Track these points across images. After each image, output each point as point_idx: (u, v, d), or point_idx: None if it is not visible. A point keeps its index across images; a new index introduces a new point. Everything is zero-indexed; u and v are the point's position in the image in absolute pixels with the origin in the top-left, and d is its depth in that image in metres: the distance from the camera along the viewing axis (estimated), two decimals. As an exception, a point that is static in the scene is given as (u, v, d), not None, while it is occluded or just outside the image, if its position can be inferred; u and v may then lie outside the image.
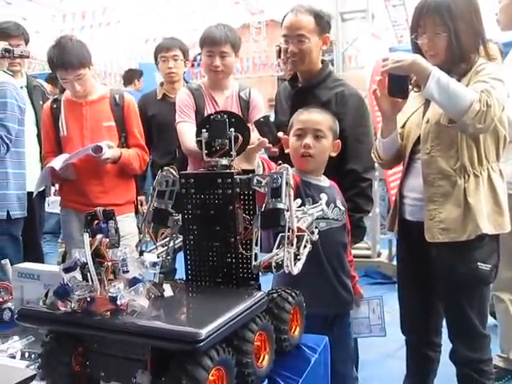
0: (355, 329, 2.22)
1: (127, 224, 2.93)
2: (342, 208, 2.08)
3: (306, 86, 2.58)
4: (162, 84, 3.93)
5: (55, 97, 3.16)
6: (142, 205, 3.64)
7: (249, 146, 1.42)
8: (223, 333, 1.05)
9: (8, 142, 2.86)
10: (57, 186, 3.31)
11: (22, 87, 3.39)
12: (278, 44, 3.26)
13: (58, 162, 2.82)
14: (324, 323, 2.03)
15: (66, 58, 2.79)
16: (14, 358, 1.44)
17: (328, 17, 2.59)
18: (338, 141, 2.15)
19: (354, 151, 2.40)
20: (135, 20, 9.75)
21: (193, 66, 11.85)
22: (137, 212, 3.33)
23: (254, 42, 14.16)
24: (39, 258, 3.41)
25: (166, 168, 1.38)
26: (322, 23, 2.52)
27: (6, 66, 3.21)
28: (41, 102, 3.42)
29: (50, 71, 3.20)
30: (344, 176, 2.36)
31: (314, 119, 2.10)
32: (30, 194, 3.22)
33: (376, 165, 2.56)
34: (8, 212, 2.92)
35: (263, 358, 1.24)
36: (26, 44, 3.50)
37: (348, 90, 2.53)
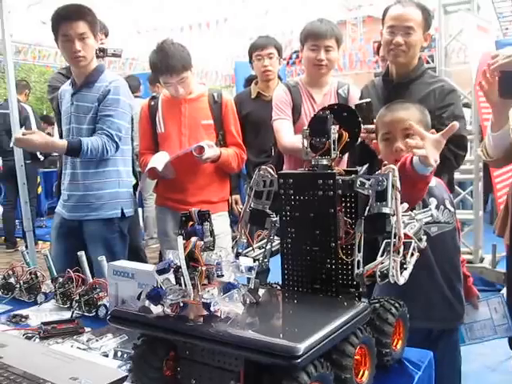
0: (477, 333, 2.07)
1: (220, 222, 2.91)
2: (452, 209, 1.93)
3: (402, 81, 2.49)
4: (256, 82, 3.90)
5: (153, 94, 3.20)
6: (236, 203, 3.63)
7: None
8: (323, 348, 0.98)
9: (117, 140, 2.85)
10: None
11: None
12: (377, 40, 3.20)
13: (159, 163, 2.84)
14: (428, 337, 1.89)
15: (170, 63, 2.81)
16: (106, 356, 1.43)
17: (432, 14, 2.54)
18: (433, 130, 1.99)
19: None
20: (232, 19, 9.83)
21: (288, 64, 11.85)
22: (230, 211, 3.31)
23: (350, 38, 13.94)
24: (141, 257, 3.44)
25: (263, 167, 1.32)
26: (428, 19, 2.47)
27: None
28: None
29: (151, 71, 3.22)
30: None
31: (398, 119, 1.93)
32: None
33: (480, 164, 2.43)
34: (122, 210, 2.91)
35: (363, 374, 1.15)
36: (106, 37, 3.53)
37: (448, 85, 2.47)
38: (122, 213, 2.91)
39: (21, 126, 3.47)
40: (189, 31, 9.56)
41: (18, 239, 7.51)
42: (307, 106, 2.86)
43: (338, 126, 1.27)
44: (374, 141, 2.05)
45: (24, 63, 12.03)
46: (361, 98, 2.70)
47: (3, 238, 7.83)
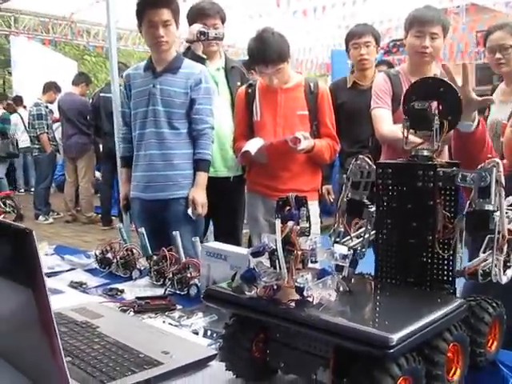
0: None
1: (310, 211, 2.91)
2: None
3: None
4: (352, 71, 3.85)
5: (250, 82, 3.23)
6: (329, 193, 3.61)
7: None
8: (415, 340, 0.95)
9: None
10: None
11: (218, 69, 3.45)
12: (480, 30, 3.10)
13: (253, 146, 2.87)
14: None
15: (267, 54, 2.83)
16: (196, 334, 1.47)
17: None
18: None
19: None
20: (329, 7, 9.71)
21: (386, 53, 11.59)
22: (320, 200, 3.30)
23: (451, 27, 13.41)
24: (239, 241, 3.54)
25: (360, 156, 1.30)
26: None
27: (201, 49, 3.33)
28: (239, 83, 3.42)
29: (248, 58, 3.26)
30: None
31: None
32: (228, 179, 3.34)
33: None
34: None
35: (454, 372, 1.11)
36: (223, 23, 3.46)
37: None
38: None
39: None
40: (289, 19, 9.53)
41: (113, 218, 7.86)
42: None
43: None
44: (505, 122, 1.96)
45: (125, 49, 12.49)
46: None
47: (99, 215, 8.22)
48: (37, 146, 8.74)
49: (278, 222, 1.02)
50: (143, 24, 2.95)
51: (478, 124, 1.63)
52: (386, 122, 2.77)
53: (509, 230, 1.14)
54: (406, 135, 1.25)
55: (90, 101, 8.25)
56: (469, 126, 1.60)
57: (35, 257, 0.91)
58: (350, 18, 9.22)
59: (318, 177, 3.12)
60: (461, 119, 1.34)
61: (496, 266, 1.10)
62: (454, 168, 1.20)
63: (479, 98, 1.66)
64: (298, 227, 1.06)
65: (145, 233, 2.09)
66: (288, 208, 1.09)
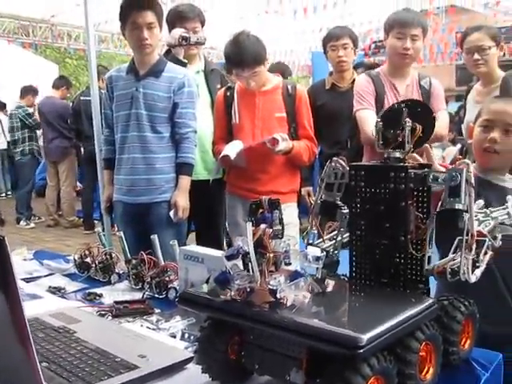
0: None
1: (289, 213, 2.93)
2: None
3: None
4: (330, 73, 3.87)
5: (229, 85, 3.23)
6: (309, 196, 3.63)
7: None
8: (386, 340, 0.96)
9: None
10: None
11: (198, 72, 3.46)
12: (459, 31, 3.15)
13: (232, 150, 2.89)
14: (493, 342, 1.82)
15: (243, 57, 2.84)
16: (174, 337, 1.48)
17: None
18: None
19: None
20: (310, 9, 9.77)
21: (367, 55, 11.66)
22: (299, 202, 3.32)
23: (431, 29, 13.53)
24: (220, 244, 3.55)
25: (334, 159, 1.31)
26: None
27: (182, 54, 3.33)
28: (219, 86, 3.43)
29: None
30: None
31: (508, 111, 1.86)
32: (209, 181, 3.34)
33: None
34: None
35: (427, 371, 1.13)
36: (202, 26, 3.47)
37: None
38: None
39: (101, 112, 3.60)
40: (268, 20, 9.57)
41: (95, 221, 7.81)
42: (390, 96, 2.82)
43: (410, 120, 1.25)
44: (471, 124, 1.99)
45: (106, 52, 12.45)
46: (504, 86, 2.63)
47: (82, 219, 8.17)
48: (18, 150, 8.67)
49: (249, 226, 1.02)
50: (127, 26, 2.95)
51: None
52: (372, 124, 2.80)
53: (478, 231, 1.16)
54: (378, 137, 1.26)
55: (71, 104, 8.20)
56: None
57: (7, 262, 0.91)
58: (330, 20, 9.27)
59: (296, 178, 3.13)
60: None
61: (465, 265, 1.11)
62: (426, 169, 1.22)
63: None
64: (271, 230, 1.07)
65: (124, 236, 2.08)
66: (261, 211, 1.10)
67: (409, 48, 2.76)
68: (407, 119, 1.24)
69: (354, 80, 3.78)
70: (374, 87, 2.84)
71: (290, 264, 1.08)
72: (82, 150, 7.80)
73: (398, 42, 2.78)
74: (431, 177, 1.20)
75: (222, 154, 2.91)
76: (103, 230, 3.36)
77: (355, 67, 4.15)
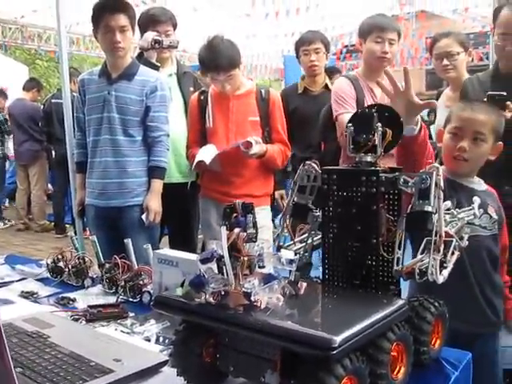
0: (508, 359, 2.00)
1: (262, 216, 2.95)
2: (495, 217, 1.89)
3: None
4: (303, 78, 3.90)
5: (202, 89, 3.24)
6: (282, 198, 3.65)
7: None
8: (359, 341, 0.99)
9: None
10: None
11: (171, 75, 3.46)
12: (429, 36, 3.21)
13: (207, 155, 2.89)
14: (464, 340, 1.87)
15: (218, 61, 2.85)
16: (149, 341, 1.48)
17: None
18: (500, 143, 1.95)
19: None
20: (282, 13, 9.82)
21: (339, 59, 11.76)
22: (272, 205, 3.34)
23: (402, 34, 13.68)
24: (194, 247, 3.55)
25: (307, 162, 1.33)
26: None
27: (155, 57, 3.32)
28: (191, 89, 3.44)
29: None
30: None
31: (476, 119, 1.90)
32: (183, 184, 3.33)
33: None
34: None
35: (399, 370, 1.15)
36: (174, 29, 3.47)
37: None
38: None
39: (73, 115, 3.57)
40: (240, 24, 9.59)
41: (67, 225, 7.73)
42: (369, 99, 2.85)
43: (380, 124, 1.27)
44: (441, 128, 2.03)
45: (78, 54, 12.33)
46: (463, 90, 2.69)
47: (53, 223, 8.07)
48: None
49: (223, 230, 1.04)
50: (99, 29, 2.94)
51: (421, 128, 1.68)
52: None
53: (446, 232, 1.19)
54: (349, 141, 1.28)
55: (42, 107, 8.11)
56: (412, 130, 1.65)
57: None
58: (303, 23, 9.33)
59: (270, 182, 3.15)
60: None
61: (433, 265, 1.14)
62: (397, 173, 1.25)
63: (422, 102, 1.72)
64: (245, 234, 1.08)
65: (97, 240, 2.08)
66: (235, 215, 1.11)
67: (387, 52, 2.81)
68: (378, 124, 1.27)
69: (326, 84, 3.83)
70: (355, 90, 2.87)
71: (263, 267, 1.09)
72: (54, 153, 7.71)
73: (377, 46, 2.81)
74: (402, 180, 1.22)
75: (196, 160, 2.91)
76: (75, 234, 3.34)
77: (331, 72, 4.19)
